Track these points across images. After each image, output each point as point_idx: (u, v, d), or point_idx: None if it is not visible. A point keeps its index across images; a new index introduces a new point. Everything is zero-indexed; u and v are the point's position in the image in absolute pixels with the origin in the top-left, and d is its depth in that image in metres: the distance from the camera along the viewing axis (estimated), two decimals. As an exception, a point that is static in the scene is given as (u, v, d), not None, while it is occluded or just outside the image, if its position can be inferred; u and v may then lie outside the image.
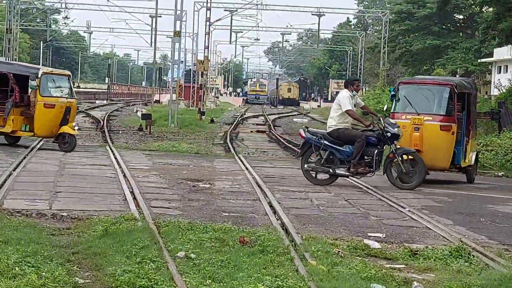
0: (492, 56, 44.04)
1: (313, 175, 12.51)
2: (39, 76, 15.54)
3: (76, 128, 16.41)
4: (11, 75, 15.66)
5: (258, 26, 71.72)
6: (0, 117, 15.84)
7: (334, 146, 12.07)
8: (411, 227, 9.01)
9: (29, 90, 16.21)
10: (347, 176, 12.38)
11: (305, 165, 12.32)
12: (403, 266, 7.02)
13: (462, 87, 13.41)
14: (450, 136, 12.79)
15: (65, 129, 15.75)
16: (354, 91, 12.33)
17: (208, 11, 40.39)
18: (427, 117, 12.73)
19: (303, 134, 12.32)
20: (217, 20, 51.11)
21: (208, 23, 41.14)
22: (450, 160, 12.91)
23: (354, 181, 12.94)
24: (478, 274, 6.65)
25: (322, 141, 12.04)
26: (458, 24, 50.46)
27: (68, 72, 18.14)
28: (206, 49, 40.20)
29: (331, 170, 12.13)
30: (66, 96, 16.56)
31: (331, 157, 12.11)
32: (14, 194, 9.89)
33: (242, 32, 74.34)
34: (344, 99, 12.09)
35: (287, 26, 79.43)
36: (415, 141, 12.81)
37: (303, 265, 6.51)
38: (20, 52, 63.74)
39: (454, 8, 46.91)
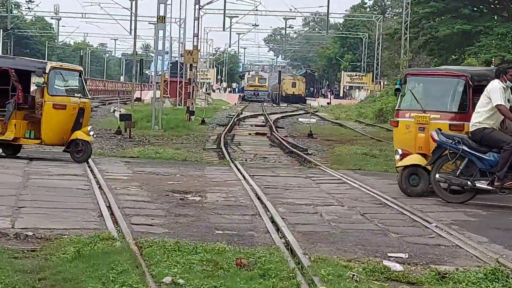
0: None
1: (447, 189, 12.14)
2: (47, 71, 15.31)
3: (92, 133, 16.18)
4: (13, 71, 15.34)
5: (256, 10, 72.34)
6: None
7: (475, 153, 11.73)
8: (439, 246, 9.05)
9: (33, 88, 16.11)
10: (489, 192, 12.05)
11: (437, 176, 11.99)
12: (429, 291, 7.21)
13: (482, 79, 13.20)
14: None
15: (79, 134, 15.47)
16: (508, 82, 11.83)
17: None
18: (434, 115, 12.68)
19: (436, 137, 11.97)
20: (208, 3, 51.44)
21: (197, 6, 41.54)
22: None
23: (371, 191, 13.01)
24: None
25: (460, 147, 11.69)
26: (492, 6, 50.33)
27: (80, 67, 18.09)
28: (195, 38, 40.50)
29: (469, 183, 11.75)
30: (79, 95, 16.34)
31: (469, 167, 11.76)
32: (-30, 210, 10.10)
33: (237, 17, 74.87)
34: (495, 91, 11.61)
35: (290, 10, 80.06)
36: (419, 144, 12.74)
37: (311, 292, 6.67)
38: (-24, 43, 64.14)
39: (487, -14, 47.18)
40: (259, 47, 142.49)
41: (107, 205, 10.71)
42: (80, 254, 7.60)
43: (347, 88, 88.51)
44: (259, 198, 11.69)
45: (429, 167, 12.48)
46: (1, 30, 79.28)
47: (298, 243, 8.62)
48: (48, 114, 15.24)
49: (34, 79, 16.86)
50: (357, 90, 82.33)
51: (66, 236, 8.55)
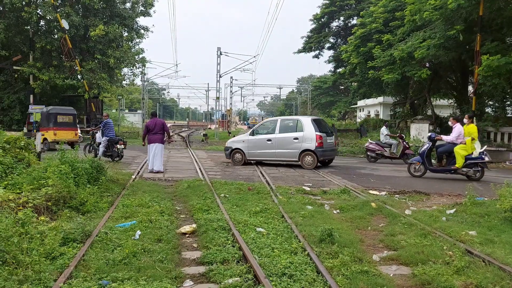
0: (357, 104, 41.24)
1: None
2: None
3: None
4: None
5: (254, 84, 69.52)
6: None
7: None
8: (323, 180, 9.87)
9: None
10: None
11: None
12: (319, 197, 7.88)
13: None
14: None
15: None
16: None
17: (231, 87, 45.74)
18: None
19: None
20: (235, 92, 55.05)
21: (231, 93, 47.22)
22: None
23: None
24: (353, 199, 7.59)
25: None
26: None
27: None
28: (230, 105, 45.81)
29: None
30: None
31: None
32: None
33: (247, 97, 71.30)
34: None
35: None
36: None
37: (275, 198, 7.32)
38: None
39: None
40: (255, 107, 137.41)
41: (199, 167, 11.33)
42: (189, 186, 8.50)
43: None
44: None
45: None
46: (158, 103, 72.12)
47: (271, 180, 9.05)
48: None
49: None
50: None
51: (184, 179, 9.14)
